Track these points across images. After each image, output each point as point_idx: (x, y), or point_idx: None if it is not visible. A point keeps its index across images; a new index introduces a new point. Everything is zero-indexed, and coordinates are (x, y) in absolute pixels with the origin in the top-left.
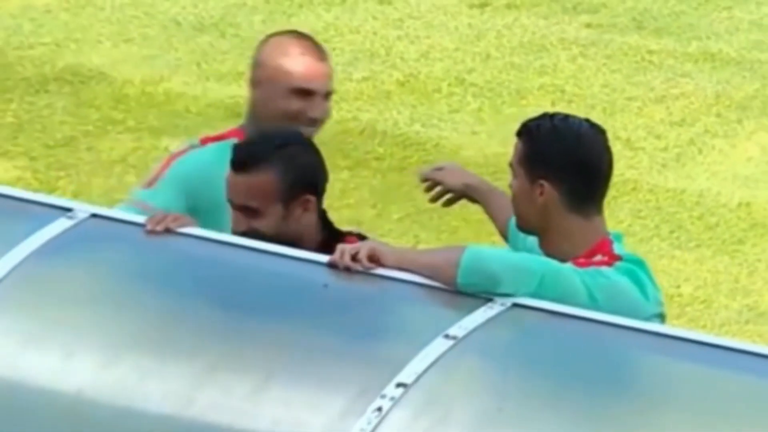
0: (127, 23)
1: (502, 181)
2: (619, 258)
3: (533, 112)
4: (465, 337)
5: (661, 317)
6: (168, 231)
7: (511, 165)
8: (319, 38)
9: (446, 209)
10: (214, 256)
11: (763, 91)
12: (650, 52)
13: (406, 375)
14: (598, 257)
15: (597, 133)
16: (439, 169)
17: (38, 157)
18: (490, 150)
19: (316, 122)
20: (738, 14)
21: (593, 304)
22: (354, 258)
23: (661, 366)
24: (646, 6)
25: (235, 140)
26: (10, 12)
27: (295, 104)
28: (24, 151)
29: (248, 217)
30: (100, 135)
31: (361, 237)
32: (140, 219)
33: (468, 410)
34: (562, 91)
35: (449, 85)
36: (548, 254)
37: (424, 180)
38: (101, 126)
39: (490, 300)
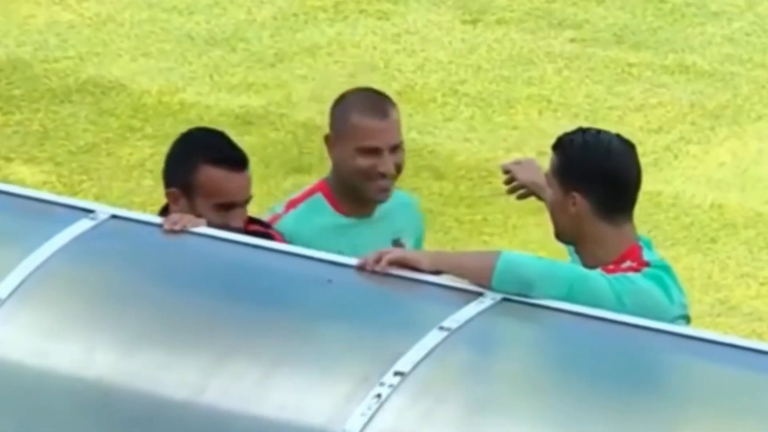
0: (144, 38)
1: (493, 184)
2: (647, 264)
3: (522, 120)
4: (458, 329)
5: (686, 318)
6: (183, 231)
7: (546, 176)
8: (322, 52)
9: (440, 211)
10: (226, 255)
11: (734, 101)
12: (630, 64)
13: (404, 364)
14: (627, 263)
15: (626, 147)
16: (518, 163)
17: (63, 162)
18: (482, 155)
19: (386, 176)
20: (711, 29)
21: (621, 307)
22: (379, 260)
23: (639, 355)
24: (626, 22)
25: (321, 194)
26: (37, 28)
27: (364, 162)
28: (50, 157)
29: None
30: (119, 142)
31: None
32: (157, 220)
33: (461, 397)
34: (549, 101)
35: (443, 95)
36: (584, 261)
37: (505, 171)
38: (121, 133)
39: (481, 294)
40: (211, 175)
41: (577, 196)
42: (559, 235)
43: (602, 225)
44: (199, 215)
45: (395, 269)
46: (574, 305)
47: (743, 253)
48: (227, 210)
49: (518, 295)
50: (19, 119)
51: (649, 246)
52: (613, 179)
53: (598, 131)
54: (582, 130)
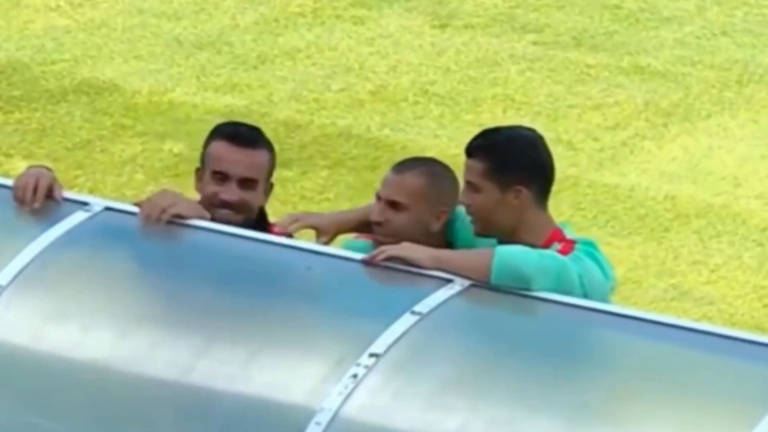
0: (136, 42)
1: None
2: (574, 242)
3: (487, 118)
4: (429, 313)
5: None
6: (170, 221)
7: (468, 183)
8: (301, 55)
9: None
10: (213, 244)
11: (685, 99)
12: (588, 66)
13: (378, 346)
14: (555, 245)
15: (540, 136)
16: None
17: (59, 158)
18: (450, 151)
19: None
20: (664, 33)
21: (583, 289)
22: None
23: (594, 336)
24: (585, 26)
25: None
26: (35, 33)
27: (211, 188)
28: (47, 153)
29: (244, 189)
30: (112, 139)
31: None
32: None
33: (432, 376)
34: (512, 100)
35: (414, 95)
36: None
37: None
38: (114, 131)
39: (450, 281)
40: (216, 145)
41: (522, 189)
42: (489, 232)
43: (539, 212)
44: (203, 189)
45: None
46: (535, 292)
47: (695, 241)
48: (221, 180)
49: (519, 289)
50: (19, 118)
51: (566, 227)
52: (544, 167)
53: (509, 127)
54: (493, 131)
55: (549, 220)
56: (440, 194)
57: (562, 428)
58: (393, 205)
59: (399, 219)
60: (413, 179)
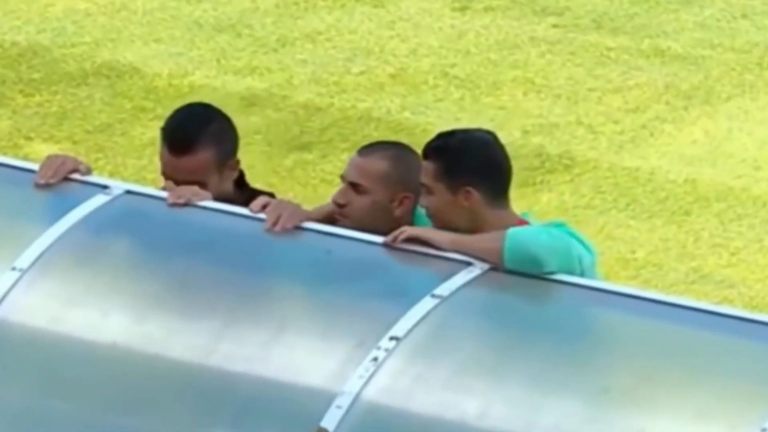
0: (156, 25)
1: None
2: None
3: (507, 101)
4: (449, 296)
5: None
6: (188, 204)
7: (423, 185)
8: (321, 38)
9: None
10: (232, 227)
11: (705, 82)
12: (608, 48)
13: (399, 329)
14: None
15: (494, 137)
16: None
17: (80, 141)
18: None
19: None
20: (684, 16)
21: (580, 268)
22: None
23: (615, 319)
24: (605, 9)
25: None
26: (55, 15)
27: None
28: (67, 136)
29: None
30: (132, 122)
31: (272, 195)
32: (165, 195)
33: (452, 359)
34: (533, 83)
35: (434, 77)
36: None
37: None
38: (134, 114)
39: (470, 264)
40: (162, 148)
41: (471, 190)
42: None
43: (493, 210)
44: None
45: (414, 245)
46: (555, 275)
47: (715, 224)
48: (173, 183)
49: (533, 270)
50: (39, 101)
51: (528, 216)
52: (495, 166)
53: (464, 130)
54: (447, 134)
55: (510, 214)
56: (402, 179)
57: (583, 411)
58: (355, 187)
59: (360, 201)
60: (376, 162)
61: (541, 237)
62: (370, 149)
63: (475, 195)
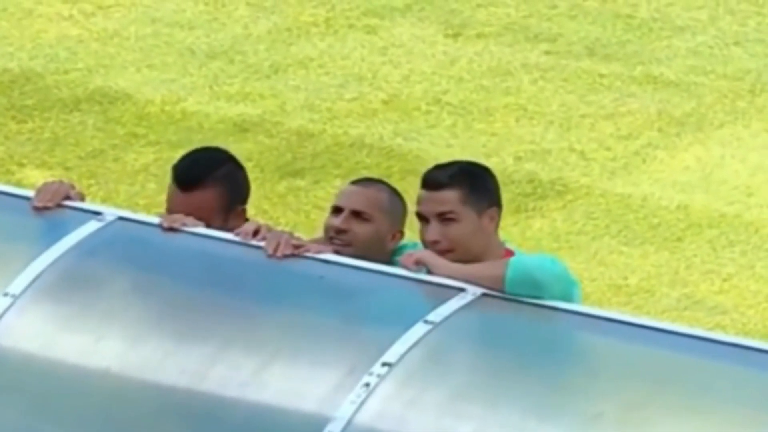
0: (149, 51)
1: None
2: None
3: (500, 127)
4: (442, 322)
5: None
6: (182, 230)
7: (442, 216)
8: (314, 64)
9: None
10: (225, 253)
11: (698, 109)
12: (601, 75)
13: (391, 355)
14: None
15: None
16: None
17: (72, 167)
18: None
19: None
20: (676, 43)
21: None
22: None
23: (608, 346)
24: (597, 35)
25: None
26: (48, 42)
27: None
28: (60, 162)
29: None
30: (125, 148)
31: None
32: (158, 221)
33: (444, 385)
34: (525, 109)
35: (427, 104)
36: None
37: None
38: (126, 140)
39: (462, 290)
40: (169, 185)
41: (495, 210)
42: (463, 261)
43: (497, 237)
44: None
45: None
46: (547, 301)
47: (707, 251)
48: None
49: (532, 298)
50: (32, 127)
51: (508, 244)
52: (499, 191)
53: (454, 161)
54: (447, 164)
55: (501, 244)
56: (398, 213)
57: None
58: (358, 215)
59: (363, 230)
60: (377, 193)
61: (545, 263)
62: (365, 182)
63: (498, 215)
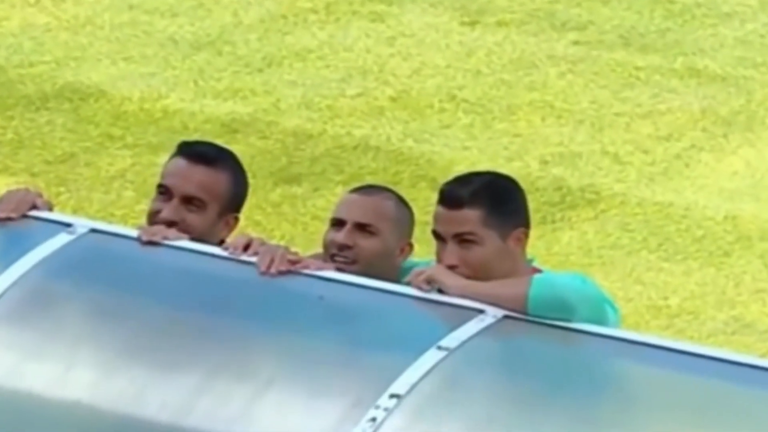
0: (125, 42)
1: None
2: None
3: (524, 127)
4: (457, 348)
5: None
6: (162, 243)
7: (461, 236)
8: (312, 56)
9: (428, 224)
10: (211, 269)
11: (747, 106)
12: (637, 68)
13: (400, 385)
14: None
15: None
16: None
17: (39, 173)
18: (482, 165)
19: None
20: (723, 31)
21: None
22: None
23: (645, 374)
24: (633, 23)
25: None
26: (11, 31)
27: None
28: (25, 167)
29: (188, 208)
30: (99, 151)
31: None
32: (136, 233)
33: (459, 420)
34: (551, 107)
35: (441, 101)
36: None
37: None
38: (100, 142)
39: (481, 311)
40: (170, 161)
41: (523, 231)
42: None
43: (524, 257)
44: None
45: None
46: (577, 324)
47: (759, 267)
48: (163, 195)
49: (559, 320)
50: None
51: (534, 262)
52: (528, 208)
53: (480, 172)
54: (470, 175)
55: (527, 264)
56: (406, 223)
57: None
58: (363, 228)
59: (369, 244)
60: (383, 202)
61: (575, 282)
62: (368, 190)
63: (526, 237)
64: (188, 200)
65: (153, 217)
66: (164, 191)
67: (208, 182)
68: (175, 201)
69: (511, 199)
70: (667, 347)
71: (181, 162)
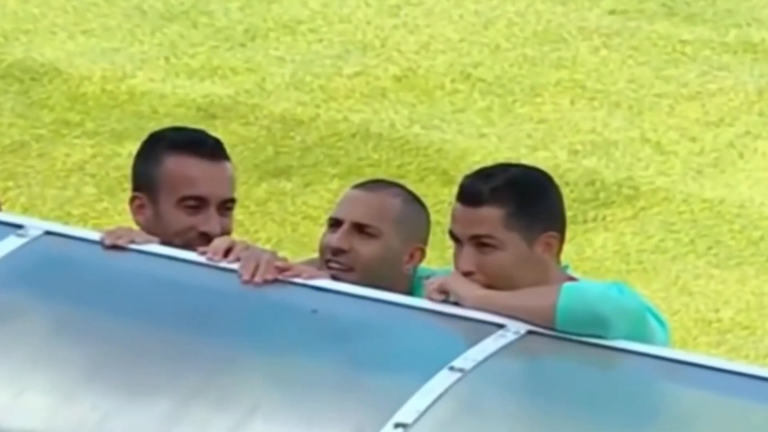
0: (84, 11)
1: None
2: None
3: (550, 111)
4: (473, 369)
5: None
6: (129, 247)
7: (478, 239)
8: (303, 28)
9: (444, 225)
10: (185, 278)
11: None
12: (683, 42)
13: (406, 413)
14: None
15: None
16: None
17: None
18: (501, 155)
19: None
20: None
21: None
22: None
23: (693, 399)
24: None
25: None
26: None
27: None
28: None
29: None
30: (54, 140)
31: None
32: (97, 236)
33: None
34: (583, 87)
35: (453, 81)
36: None
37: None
38: (55, 129)
39: (501, 326)
40: (175, 162)
41: (555, 235)
42: None
43: (557, 264)
44: (165, 222)
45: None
46: (614, 341)
47: None
48: (195, 209)
49: (593, 337)
50: None
51: (570, 270)
52: (564, 207)
53: (507, 165)
54: (493, 168)
55: (561, 272)
56: (417, 224)
57: None
58: (361, 229)
59: (368, 249)
60: (386, 199)
61: (610, 292)
62: (373, 185)
63: (557, 242)
64: (224, 205)
65: (185, 234)
66: (196, 203)
67: (233, 178)
68: (211, 210)
69: (541, 197)
70: (718, 368)
71: (199, 162)
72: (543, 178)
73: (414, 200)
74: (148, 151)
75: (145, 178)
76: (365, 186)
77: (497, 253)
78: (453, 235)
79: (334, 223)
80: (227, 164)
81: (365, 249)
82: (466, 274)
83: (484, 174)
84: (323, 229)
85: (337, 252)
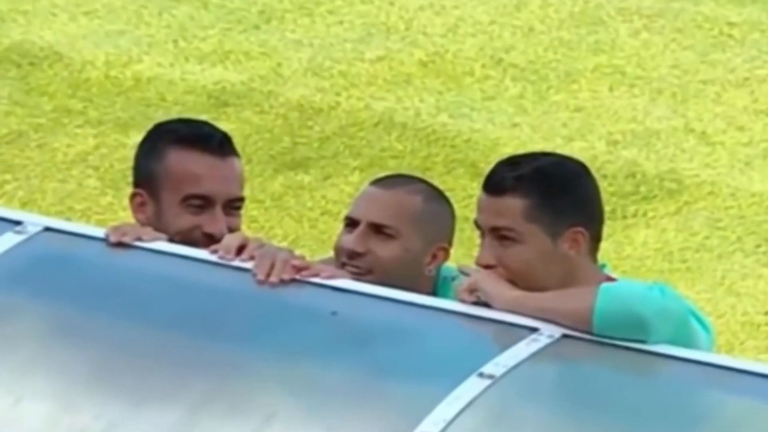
0: None
1: None
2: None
3: (587, 98)
4: (503, 375)
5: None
6: (134, 245)
7: (498, 232)
8: (321, 9)
9: (467, 219)
10: (195, 278)
11: None
12: (730, 24)
13: (432, 422)
14: None
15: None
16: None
17: None
18: (534, 145)
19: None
20: None
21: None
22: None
23: (740, 408)
24: None
25: None
26: None
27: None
28: None
29: (229, 215)
30: (54, 129)
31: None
32: (101, 232)
33: None
34: (622, 73)
35: (483, 66)
36: None
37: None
38: (56, 118)
39: (534, 330)
40: (179, 157)
41: (582, 231)
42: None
43: (591, 265)
44: (166, 221)
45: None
46: (656, 346)
47: None
48: (200, 208)
49: (632, 341)
50: None
51: (608, 269)
52: (599, 201)
53: (538, 154)
54: (521, 156)
55: (598, 272)
56: (439, 223)
57: None
58: (378, 230)
59: (386, 251)
60: (405, 197)
61: (652, 294)
62: (392, 181)
63: (585, 239)
64: (231, 204)
65: (188, 234)
66: (203, 200)
67: (242, 175)
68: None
69: (570, 189)
70: (759, 373)
71: (205, 158)
72: (577, 169)
73: (437, 196)
74: (151, 145)
75: (146, 174)
76: (384, 182)
77: (517, 247)
78: (478, 225)
79: (350, 223)
80: (235, 160)
81: (383, 251)
82: (487, 268)
83: (511, 162)
84: (341, 226)
85: (353, 255)
